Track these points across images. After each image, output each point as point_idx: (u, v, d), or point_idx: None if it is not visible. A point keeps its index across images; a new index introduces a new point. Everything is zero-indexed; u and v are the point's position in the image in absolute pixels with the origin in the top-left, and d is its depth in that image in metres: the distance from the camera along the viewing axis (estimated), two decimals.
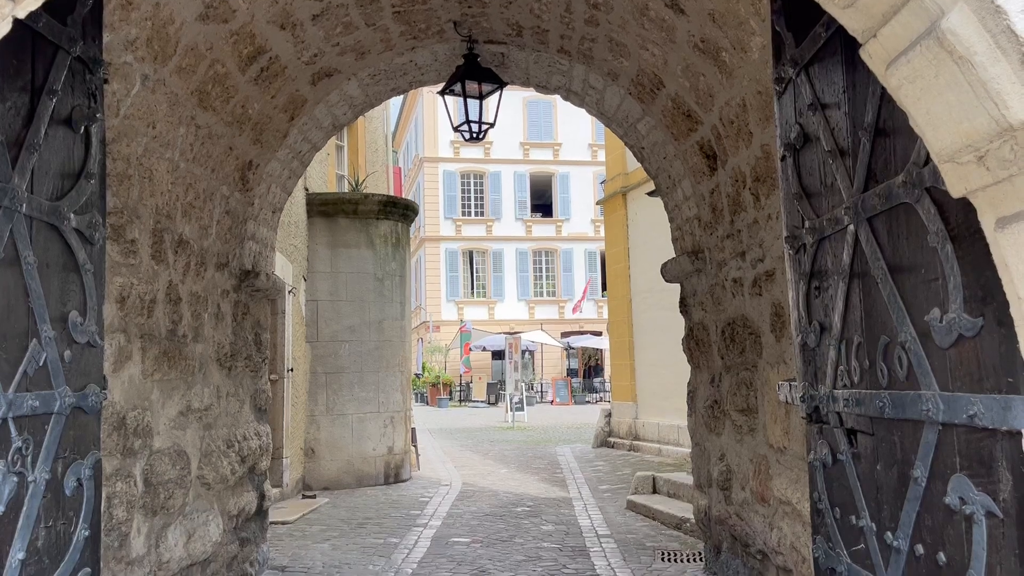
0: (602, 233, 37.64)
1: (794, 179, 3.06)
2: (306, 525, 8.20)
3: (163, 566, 4.49)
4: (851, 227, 2.55)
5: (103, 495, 3.89)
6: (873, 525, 2.51)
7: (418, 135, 38.72)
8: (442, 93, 6.39)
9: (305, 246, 10.56)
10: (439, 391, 30.30)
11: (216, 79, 4.81)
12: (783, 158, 3.18)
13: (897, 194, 2.22)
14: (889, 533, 2.39)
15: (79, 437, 2.75)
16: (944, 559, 2.09)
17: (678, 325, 10.20)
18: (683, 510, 7.92)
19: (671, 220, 6.92)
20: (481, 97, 6.28)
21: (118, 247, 4.08)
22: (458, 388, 32.18)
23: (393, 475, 10.89)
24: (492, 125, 6.75)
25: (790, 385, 3.38)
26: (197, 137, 4.90)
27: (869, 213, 2.42)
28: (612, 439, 14.99)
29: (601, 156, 37.49)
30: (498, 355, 31.87)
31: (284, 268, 9.67)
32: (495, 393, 29.19)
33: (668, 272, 6.72)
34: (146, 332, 4.37)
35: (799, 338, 3.12)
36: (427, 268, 36.67)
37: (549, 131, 37.70)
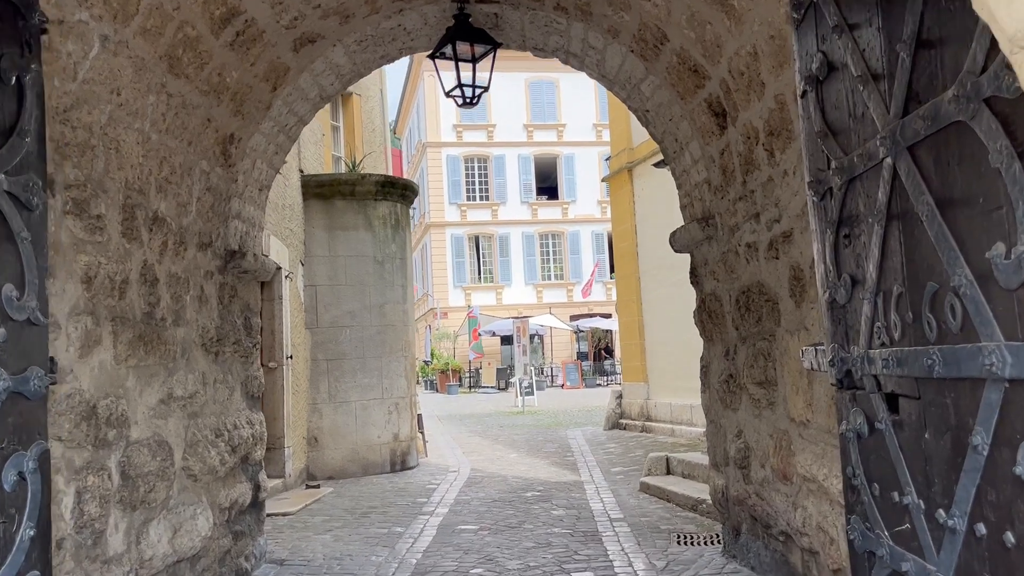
0: (609, 214, 37.13)
1: (817, 116, 2.72)
2: (308, 516, 7.93)
3: (145, 564, 4.22)
4: (888, 160, 2.21)
5: (72, 490, 3.61)
6: (921, 502, 2.19)
7: (420, 120, 38.32)
8: (432, 56, 6.04)
9: (302, 230, 10.26)
10: (448, 378, 30.06)
11: (187, 43, 4.49)
12: (803, 94, 2.84)
13: (947, 112, 1.88)
14: (941, 511, 2.06)
15: (19, 426, 2.45)
16: (1013, 540, 1.77)
17: (688, 301, 9.89)
18: (699, 491, 7.62)
19: (679, 187, 6.57)
20: (474, 60, 5.92)
21: (82, 223, 3.77)
22: (468, 374, 31.93)
23: (399, 462, 10.63)
24: (486, 89, 6.40)
25: (816, 350, 3.05)
26: (170, 107, 4.58)
27: (910, 141, 2.08)
28: (624, 421, 14.69)
29: (607, 136, 37.04)
30: (507, 340, 31.62)
31: (280, 252, 9.38)
32: (505, 378, 28.93)
33: (677, 241, 6.39)
34: (118, 315, 4.07)
35: (826, 295, 2.79)
36: (433, 254, 36.36)
37: (553, 112, 37.22)
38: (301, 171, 10.25)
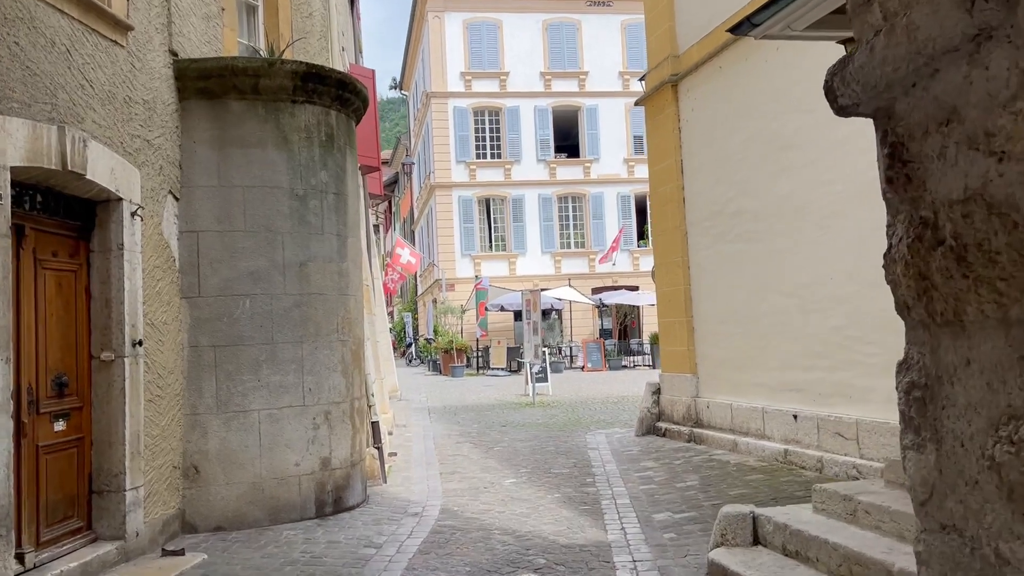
0: (637, 174, 33.21)
1: None
2: None
3: None
4: None
5: None
6: None
7: (425, 70, 34.37)
8: None
9: (174, 144, 6.59)
10: (453, 358, 26.45)
11: None
12: None
13: None
14: None
15: None
16: None
17: (761, 261, 6.36)
18: None
19: None
20: None
21: None
22: (475, 354, 28.31)
23: (331, 502, 7.01)
24: None
25: None
26: None
27: None
28: (663, 424, 10.98)
29: (635, 85, 32.90)
30: (520, 316, 27.91)
31: (121, 174, 5.74)
32: (516, 359, 25.29)
33: (871, 66, 2.58)
34: None
35: None
36: (438, 219, 32.57)
37: (574, 58, 33.09)
38: (173, 53, 6.55)
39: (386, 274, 34.70)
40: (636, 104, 11.90)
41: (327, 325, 7.13)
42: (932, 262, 2.19)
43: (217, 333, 6.65)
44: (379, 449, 8.48)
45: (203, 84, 6.67)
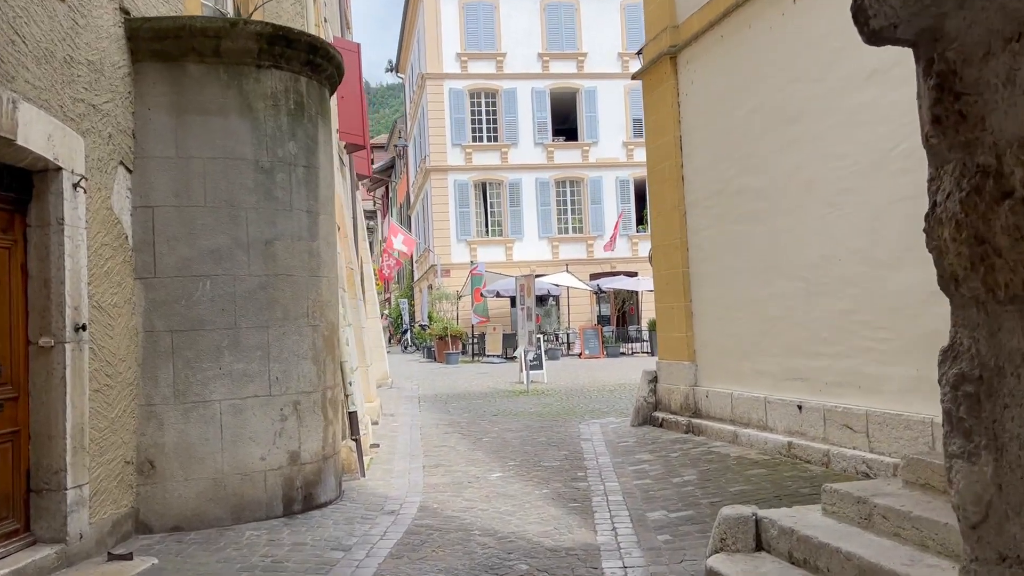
0: (636, 158, 32.57)
1: None
2: None
3: None
4: None
5: None
6: None
7: (420, 51, 33.67)
8: None
9: (126, 111, 6.04)
10: (448, 345, 25.93)
11: None
12: None
13: None
14: None
15: None
16: None
17: (765, 242, 5.95)
18: None
19: None
20: None
21: None
22: (470, 340, 27.79)
23: (301, 499, 6.51)
24: None
25: None
26: None
27: None
28: (660, 414, 10.48)
29: (634, 67, 32.27)
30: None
31: (61, 141, 5.21)
32: (512, 345, 24.79)
33: None
34: None
35: None
36: (433, 203, 31.97)
37: (572, 39, 32.38)
38: (124, 11, 6.00)
39: (382, 260, 34.17)
40: (633, 78, 11.32)
41: (296, 309, 6.60)
42: (995, 220, 1.68)
43: (174, 317, 6.12)
44: (357, 441, 7.98)
45: (158, 46, 6.11)
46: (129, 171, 6.08)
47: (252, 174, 6.39)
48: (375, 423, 11.52)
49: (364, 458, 8.16)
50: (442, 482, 7.76)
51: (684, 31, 9.86)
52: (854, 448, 7.00)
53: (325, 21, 11.41)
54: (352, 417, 8.02)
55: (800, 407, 7.81)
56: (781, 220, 8.14)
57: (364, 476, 7.93)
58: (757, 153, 8.51)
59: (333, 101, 11.17)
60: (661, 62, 10.29)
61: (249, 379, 6.31)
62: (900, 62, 6.43)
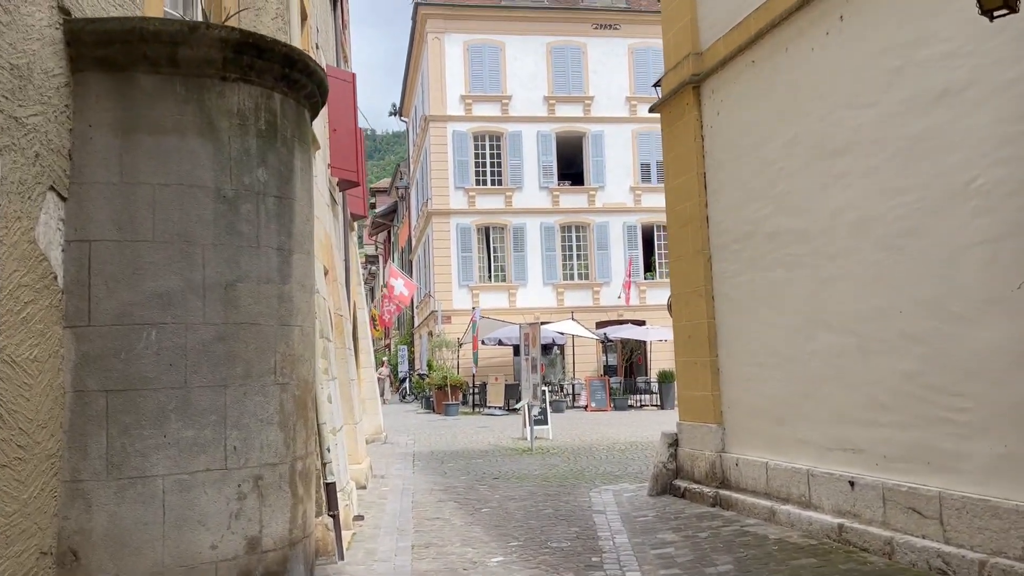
0: (645, 203, 31.67)
1: None
2: None
3: None
4: None
5: None
6: None
7: (424, 93, 33.09)
8: None
9: (61, 127, 5.06)
10: (447, 395, 24.74)
11: None
12: None
13: None
14: None
15: None
16: None
17: (807, 291, 5.32)
18: None
19: None
20: None
21: None
22: (472, 391, 26.60)
23: None
24: None
25: None
26: None
27: None
28: (682, 483, 9.33)
29: (642, 111, 31.61)
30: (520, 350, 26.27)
31: None
32: (515, 396, 23.63)
33: None
34: None
35: None
36: (435, 248, 31.05)
37: (579, 82, 31.79)
38: (64, 11, 5.06)
39: (382, 305, 33.19)
40: (651, 111, 10.41)
41: (261, 364, 5.54)
42: None
43: (111, 374, 5.06)
44: (335, 517, 6.85)
45: (103, 52, 5.16)
46: (63, 198, 5.09)
47: (212, 204, 5.39)
48: (362, 487, 10.38)
49: (344, 536, 7.03)
50: (432, 568, 6.61)
51: (709, 58, 8.97)
52: (924, 537, 5.87)
53: (317, 48, 10.58)
54: (330, 489, 6.91)
55: (852, 483, 6.69)
56: (825, 266, 7.12)
57: (342, 559, 6.78)
58: (796, 190, 7.54)
59: (321, 129, 10.28)
60: (683, 92, 9.38)
61: (200, 449, 5.22)
62: (978, 80, 5.47)
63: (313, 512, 6.32)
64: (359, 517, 8.45)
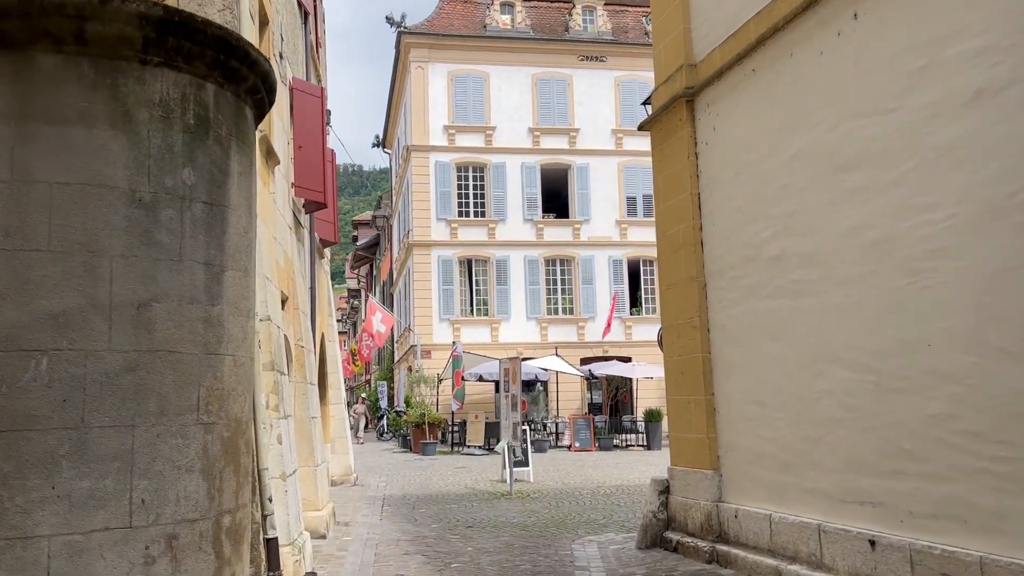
0: (630, 237, 31.08)
1: None
2: None
3: None
4: None
5: None
6: None
7: (407, 123, 32.51)
8: None
9: None
10: (424, 434, 23.71)
11: None
12: None
13: None
14: None
15: None
16: None
17: (815, 322, 4.75)
18: None
19: None
20: None
21: None
22: (452, 429, 25.57)
23: None
24: None
25: None
26: None
27: None
28: (674, 536, 8.42)
29: (628, 144, 31.17)
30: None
31: None
32: (495, 435, 22.64)
33: None
34: None
35: None
36: (415, 280, 30.21)
37: (564, 114, 31.33)
38: None
39: (360, 340, 32.21)
40: (640, 128, 9.70)
41: (180, 400, 4.65)
42: None
43: None
44: None
45: None
46: None
47: (124, 208, 4.54)
48: (321, 537, 9.39)
49: None
50: None
51: (704, 69, 8.27)
52: None
53: (281, 57, 9.81)
54: (271, 545, 5.96)
55: (872, 543, 5.83)
56: (837, 293, 6.34)
57: None
58: (802, 209, 6.78)
59: (284, 144, 9.46)
60: (675, 107, 8.67)
61: (98, 504, 4.31)
62: (1020, 79, 4.74)
63: (263, 567, 5.39)
64: (311, 574, 7.48)
